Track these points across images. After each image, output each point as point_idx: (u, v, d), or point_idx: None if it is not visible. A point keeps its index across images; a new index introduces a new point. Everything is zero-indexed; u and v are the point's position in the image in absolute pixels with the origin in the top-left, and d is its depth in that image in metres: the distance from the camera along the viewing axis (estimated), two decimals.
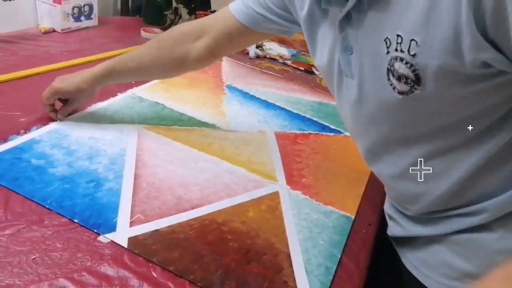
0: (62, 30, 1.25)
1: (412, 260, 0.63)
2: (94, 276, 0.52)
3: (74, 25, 1.29)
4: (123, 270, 0.54)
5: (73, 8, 1.26)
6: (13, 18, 1.19)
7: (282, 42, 1.67)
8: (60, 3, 1.21)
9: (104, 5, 1.53)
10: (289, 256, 0.63)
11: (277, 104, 1.12)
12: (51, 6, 1.22)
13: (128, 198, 0.66)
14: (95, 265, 0.54)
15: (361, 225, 0.76)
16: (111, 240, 0.58)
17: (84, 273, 0.52)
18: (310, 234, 0.69)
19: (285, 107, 1.11)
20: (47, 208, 0.60)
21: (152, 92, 1.00)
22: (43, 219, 0.59)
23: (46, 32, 1.23)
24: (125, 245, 0.57)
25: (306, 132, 1.02)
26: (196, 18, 1.53)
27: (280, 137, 0.97)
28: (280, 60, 1.45)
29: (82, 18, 1.31)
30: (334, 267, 0.64)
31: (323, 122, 1.08)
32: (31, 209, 0.60)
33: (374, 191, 0.85)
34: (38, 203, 0.60)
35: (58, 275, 0.51)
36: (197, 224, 0.64)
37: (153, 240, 0.60)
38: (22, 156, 0.69)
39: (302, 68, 1.41)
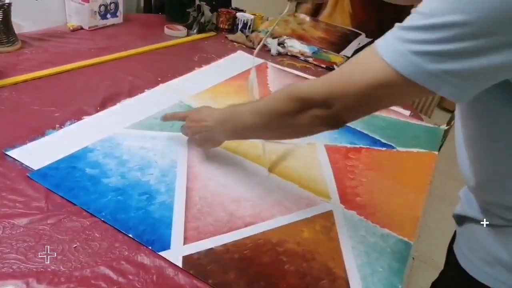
0: (89, 27, 1.28)
1: (460, 241, 0.63)
2: (132, 265, 0.55)
3: (100, 22, 1.32)
4: (158, 260, 0.56)
5: (99, 6, 1.29)
6: (43, 17, 1.23)
7: (301, 39, 1.68)
8: (87, 1, 1.24)
9: (128, 3, 1.56)
10: (347, 282, 0.60)
11: None
12: (79, 4, 1.25)
13: (181, 213, 0.66)
14: (132, 254, 0.56)
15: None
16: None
17: (122, 262, 0.55)
18: (368, 259, 0.65)
19: None
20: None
21: (201, 101, 0.97)
22: (82, 210, 0.61)
23: (74, 30, 1.26)
24: (180, 265, 0.56)
25: (358, 146, 0.98)
26: (218, 15, 1.54)
27: (330, 150, 0.93)
28: (302, 57, 1.46)
29: (108, 15, 1.34)
30: None
31: (374, 136, 1.03)
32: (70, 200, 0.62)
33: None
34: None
35: (99, 263, 0.54)
36: (252, 244, 0.63)
37: (208, 260, 0.58)
38: (77, 165, 0.69)
39: (324, 66, 1.42)
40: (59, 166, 0.68)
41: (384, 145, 1.01)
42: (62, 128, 0.78)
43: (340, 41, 1.91)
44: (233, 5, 1.71)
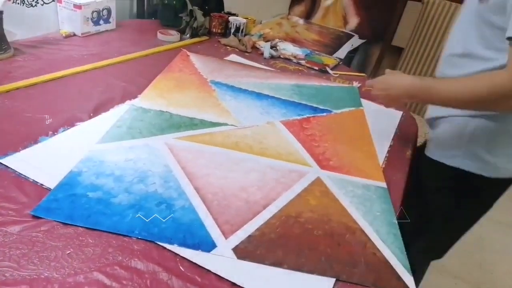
0: (82, 34, 1.29)
1: (432, 141, 0.96)
2: (125, 270, 0.55)
3: (93, 29, 1.32)
4: (152, 264, 0.57)
5: (92, 12, 1.29)
6: (36, 24, 1.23)
7: (295, 42, 1.69)
8: (80, 8, 1.24)
9: (121, 9, 1.57)
10: (362, 231, 0.71)
11: (265, 93, 1.14)
12: (72, 11, 1.25)
13: (205, 212, 0.68)
14: (126, 259, 0.56)
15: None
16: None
17: (116, 267, 0.55)
18: (365, 208, 0.77)
19: (273, 95, 1.14)
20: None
21: (150, 101, 0.97)
22: None
23: (67, 37, 1.26)
24: (235, 257, 0.61)
25: (305, 116, 1.08)
26: (210, 20, 1.55)
27: (287, 125, 1.01)
28: (294, 60, 1.47)
29: (101, 22, 1.35)
30: (398, 232, 0.72)
31: (311, 104, 1.14)
32: None
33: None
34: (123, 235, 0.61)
35: (92, 269, 0.54)
36: (278, 222, 0.69)
37: (253, 246, 0.64)
38: (75, 191, 0.66)
39: (317, 68, 1.43)
40: (57, 197, 0.64)
41: (323, 110, 1.13)
42: (55, 134, 0.78)
43: (334, 43, 1.92)
44: (226, 9, 1.72)
